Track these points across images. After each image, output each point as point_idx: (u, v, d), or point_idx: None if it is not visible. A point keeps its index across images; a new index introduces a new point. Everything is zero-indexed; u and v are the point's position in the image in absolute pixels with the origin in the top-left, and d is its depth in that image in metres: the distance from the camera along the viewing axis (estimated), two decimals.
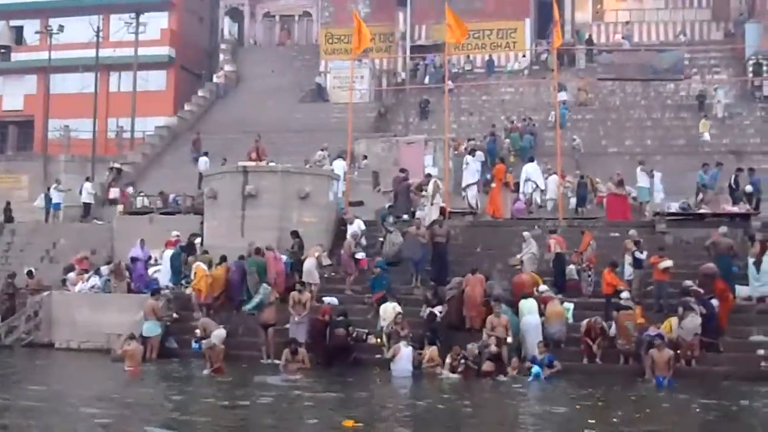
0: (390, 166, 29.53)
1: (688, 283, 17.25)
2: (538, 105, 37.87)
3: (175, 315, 19.05)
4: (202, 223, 24.32)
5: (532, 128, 34.14)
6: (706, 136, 32.53)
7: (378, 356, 17.41)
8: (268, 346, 17.98)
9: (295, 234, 20.59)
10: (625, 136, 35.41)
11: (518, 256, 19.81)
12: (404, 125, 35.84)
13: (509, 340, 16.69)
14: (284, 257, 20.08)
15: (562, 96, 37.30)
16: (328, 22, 42.85)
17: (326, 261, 20.71)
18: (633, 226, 21.43)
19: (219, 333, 16.84)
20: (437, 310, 17.49)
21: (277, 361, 17.31)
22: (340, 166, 26.46)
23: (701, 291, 16.94)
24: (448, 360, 16.06)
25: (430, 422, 12.06)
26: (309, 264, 19.39)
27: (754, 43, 39.49)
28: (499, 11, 40.64)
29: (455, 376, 15.90)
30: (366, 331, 18.17)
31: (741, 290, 18.38)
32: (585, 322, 17.05)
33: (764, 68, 38.19)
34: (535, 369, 15.87)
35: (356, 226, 20.92)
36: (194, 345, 18.36)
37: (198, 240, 22.17)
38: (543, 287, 18.05)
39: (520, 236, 20.55)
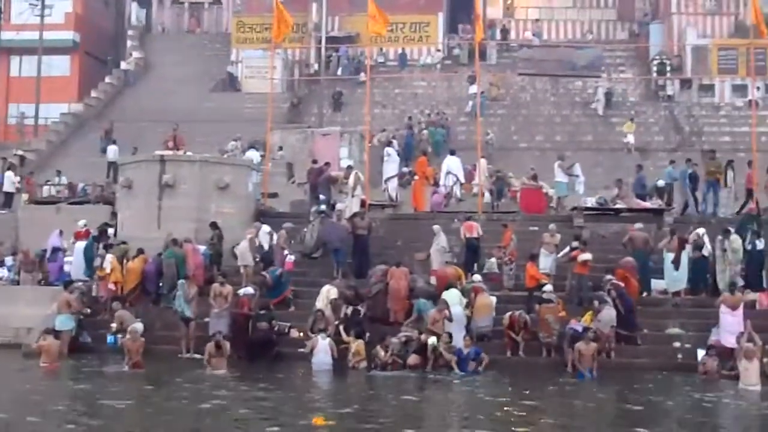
0: (305, 158, 29.24)
1: (609, 277, 17.55)
2: (450, 99, 38.13)
3: (88, 309, 18.40)
4: (113, 213, 23.67)
5: (444, 122, 34.34)
6: (630, 138, 32.86)
7: (301, 350, 17.17)
8: (188, 341, 17.52)
9: (214, 225, 20.14)
10: (535, 132, 35.94)
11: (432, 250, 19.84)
12: (317, 117, 35.55)
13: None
14: (202, 248, 19.62)
15: (473, 89, 37.73)
16: (240, 10, 42.22)
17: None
18: (551, 221, 21.80)
19: (137, 326, 16.31)
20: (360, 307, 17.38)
21: (197, 356, 16.90)
22: (253, 157, 26.11)
23: (621, 284, 17.28)
24: (382, 353, 15.90)
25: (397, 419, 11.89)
26: (243, 246, 19.07)
27: (658, 43, 40.69)
28: (412, 5, 40.68)
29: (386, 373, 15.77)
30: (288, 324, 17.92)
31: (657, 284, 18.82)
32: (508, 315, 17.15)
33: (668, 68, 39.33)
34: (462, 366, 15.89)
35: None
36: (109, 339, 17.78)
37: (111, 231, 21.51)
38: (477, 276, 18.08)
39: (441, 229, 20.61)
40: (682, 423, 12.16)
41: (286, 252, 19.57)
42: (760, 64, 39.00)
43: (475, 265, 19.38)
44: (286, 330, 17.80)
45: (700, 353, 16.70)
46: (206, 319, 17.72)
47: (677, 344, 17.31)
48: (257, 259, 19.39)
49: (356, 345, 16.16)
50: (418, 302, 17.27)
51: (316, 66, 39.39)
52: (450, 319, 16.58)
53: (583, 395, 14.09)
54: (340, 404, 12.77)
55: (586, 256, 18.19)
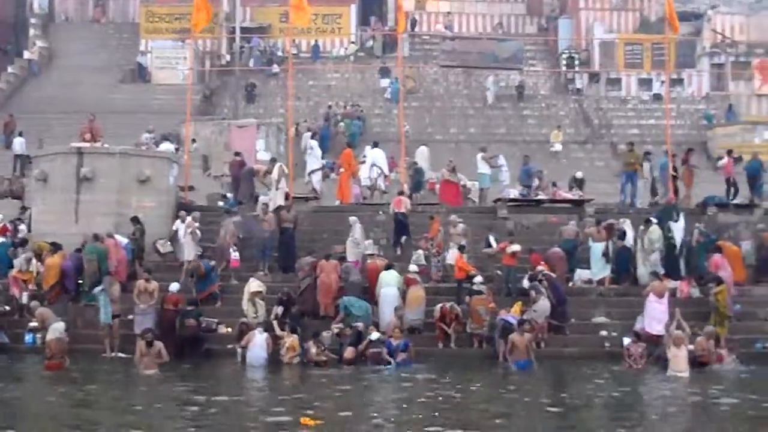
0: (221, 150, 28.81)
1: (540, 268, 17.74)
2: (364, 91, 38.12)
3: (7, 307, 17.66)
4: (22, 208, 22.80)
5: (360, 114, 34.26)
6: (558, 147, 33.18)
7: (230, 346, 16.83)
8: (111, 339, 16.94)
9: (135, 220, 19.50)
10: (449, 124, 36.24)
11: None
12: (231, 109, 35.00)
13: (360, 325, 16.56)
14: (124, 240, 19.00)
15: (385, 82, 37.82)
16: (149, 0, 41.17)
17: (167, 248, 19.89)
18: (475, 212, 21.99)
19: (58, 325, 15.70)
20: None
21: (121, 355, 16.45)
22: (167, 149, 25.48)
23: (553, 275, 17.49)
24: (313, 349, 15.69)
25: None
26: (187, 240, 18.83)
27: (567, 37, 41.48)
28: None
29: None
30: (216, 320, 17.57)
31: (582, 274, 19.12)
32: (439, 307, 17.17)
33: (576, 62, 40.13)
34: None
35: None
36: (27, 338, 17.12)
37: (22, 226, 20.69)
38: (412, 267, 18.01)
39: (363, 221, 20.52)
40: (615, 410, 12.30)
41: (231, 249, 19.09)
42: (663, 59, 40.24)
43: (403, 238, 19.70)
44: (214, 326, 17.46)
45: (626, 341, 17.03)
46: (130, 317, 17.22)
47: (604, 333, 17.65)
48: (200, 253, 18.92)
49: (291, 340, 15.90)
50: (343, 300, 17.13)
51: (227, 57, 38.76)
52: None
53: (518, 385, 14.17)
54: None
55: (515, 247, 18.34)
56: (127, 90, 37.20)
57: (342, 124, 32.28)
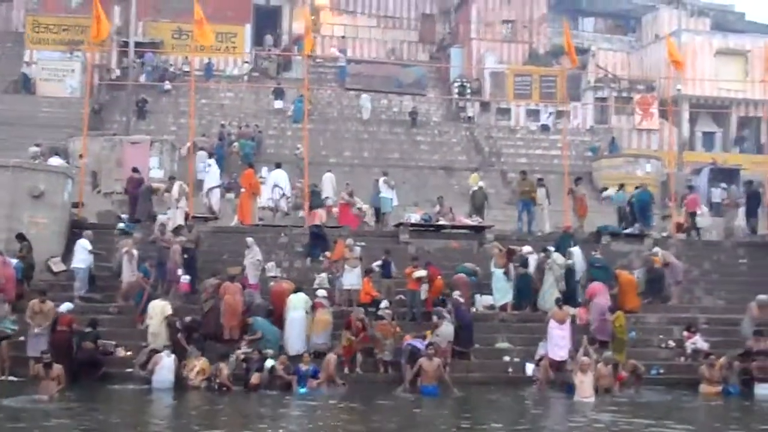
0: (112, 166, 27.95)
1: (457, 292, 17.80)
2: (258, 111, 37.75)
3: None
4: None
5: (256, 134, 33.90)
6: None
7: (129, 370, 16.23)
8: (2, 362, 16.08)
9: (21, 237, 18.64)
10: (343, 147, 36.21)
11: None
12: (121, 124, 34.01)
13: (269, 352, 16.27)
14: (14, 261, 18.11)
15: (279, 104, 37.59)
16: (35, 9, 39.81)
17: (60, 267, 19.10)
18: (377, 236, 22.00)
19: None
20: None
21: (12, 378, 15.64)
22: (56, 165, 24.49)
23: (461, 300, 17.58)
24: (225, 371, 15.27)
25: None
26: (123, 262, 18.18)
27: (458, 66, 42.25)
28: (219, 15, 39.58)
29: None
30: (114, 343, 16.91)
31: (483, 300, 19.32)
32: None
33: (468, 91, 40.88)
34: (301, 385, 15.59)
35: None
36: None
37: None
38: (321, 292, 17.79)
39: (265, 243, 20.27)
40: None
41: (180, 271, 18.39)
42: (551, 91, 41.53)
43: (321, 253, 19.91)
44: (112, 349, 16.80)
45: (529, 367, 17.31)
46: (21, 338, 16.39)
47: (507, 358, 17.82)
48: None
49: (201, 363, 15.45)
50: (257, 320, 16.81)
51: (117, 72, 37.76)
52: None
53: (421, 411, 14.13)
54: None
55: (421, 272, 18.37)
56: (11, 101, 35.69)
57: (236, 144, 31.81)
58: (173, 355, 15.55)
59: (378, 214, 23.94)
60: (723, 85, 42.61)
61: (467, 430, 12.64)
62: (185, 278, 18.16)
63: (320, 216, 19.91)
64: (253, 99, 38.70)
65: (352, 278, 18.71)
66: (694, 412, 15.05)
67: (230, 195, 26.58)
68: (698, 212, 25.13)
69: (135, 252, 18.37)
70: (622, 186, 27.36)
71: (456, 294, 17.65)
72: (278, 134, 35.98)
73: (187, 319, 16.77)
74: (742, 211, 25.78)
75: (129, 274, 18.21)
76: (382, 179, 23.59)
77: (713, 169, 35.51)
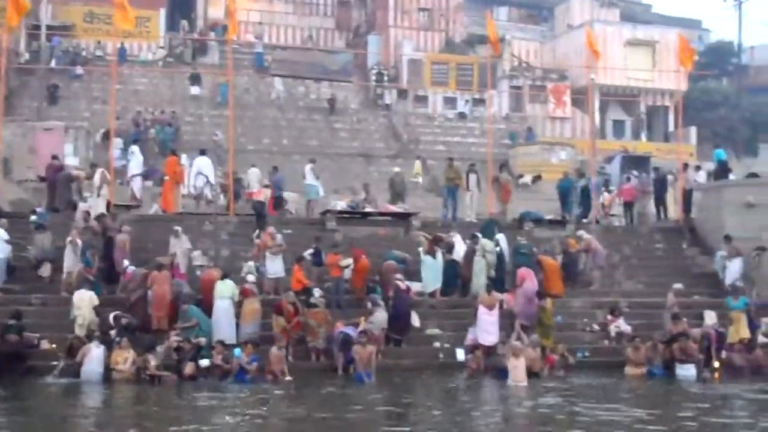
0: (24, 154, 27.12)
1: (376, 278, 17.84)
2: (173, 97, 37.08)
3: None
4: None
5: (173, 121, 33.30)
6: (420, 179, 32.69)
7: (54, 363, 15.76)
8: None
9: None
10: (262, 135, 35.88)
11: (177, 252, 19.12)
12: (32, 110, 32.97)
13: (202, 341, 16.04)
14: None
15: (196, 90, 37.01)
16: None
17: None
18: (304, 223, 21.93)
19: None
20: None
21: None
22: None
23: (402, 286, 17.62)
24: (152, 362, 14.97)
25: None
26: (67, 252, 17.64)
27: (376, 53, 42.28)
28: None
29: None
30: (37, 335, 16.40)
31: (413, 286, 19.37)
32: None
33: (385, 78, 40.94)
34: (240, 374, 15.41)
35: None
36: None
37: None
38: (251, 278, 17.57)
39: (191, 231, 19.96)
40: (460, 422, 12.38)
41: (126, 262, 17.93)
42: (467, 79, 41.96)
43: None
44: (36, 341, 16.29)
45: (459, 352, 17.49)
46: None
47: (437, 344, 17.98)
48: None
49: (130, 354, 15.12)
50: (191, 308, 16.54)
51: (27, 56, 36.53)
52: None
53: (356, 398, 14.17)
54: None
55: (347, 261, 18.35)
56: None
57: (153, 130, 31.18)
58: (102, 346, 15.19)
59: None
60: (632, 75, 43.77)
61: (417, 416, 12.68)
62: (131, 269, 17.75)
63: (264, 194, 19.79)
64: (169, 85, 37.99)
65: (275, 266, 18.58)
66: (638, 395, 15.16)
67: (148, 183, 26.02)
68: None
69: (79, 241, 17.82)
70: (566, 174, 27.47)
71: (397, 279, 17.64)
72: (195, 121, 35.45)
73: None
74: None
75: (72, 265, 17.66)
76: (308, 167, 23.46)
77: (625, 157, 36.39)
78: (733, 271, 20.47)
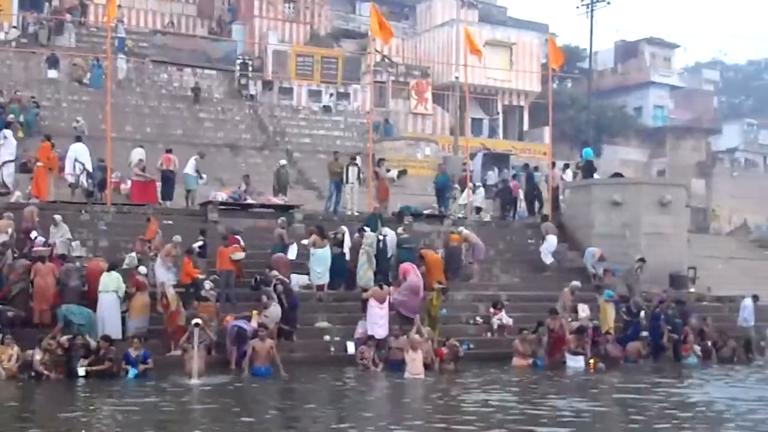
0: None
1: (274, 273, 17.68)
2: (29, 80, 35.29)
3: None
4: None
5: (29, 106, 31.71)
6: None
7: None
8: None
9: None
10: (125, 122, 34.64)
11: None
12: None
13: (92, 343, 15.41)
14: None
15: (53, 74, 35.44)
16: None
17: None
18: (185, 214, 21.48)
19: None
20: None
21: None
22: None
23: (287, 280, 17.51)
24: (38, 356, 14.25)
25: None
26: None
27: (240, 42, 41.69)
28: None
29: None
30: None
31: (299, 279, 19.31)
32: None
33: (250, 68, 40.39)
34: (132, 371, 14.93)
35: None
36: None
37: None
38: (142, 269, 16.99)
39: (66, 221, 19.16)
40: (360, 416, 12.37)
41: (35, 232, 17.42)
42: (332, 72, 42.05)
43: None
44: None
45: (350, 345, 17.57)
46: None
47: (327, 338, 18.00)
48: None
49: (13, 350, 14.36)
50: (62, 309, 15.78)
51: None
52: None
53: (251, 393, 14.07)
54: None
55: (239, 254, 18.14)
56: None
57: (12, 115, 29.57)
58: None
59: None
60: (490, 74, 44.99)
61: (328, 411, 12.66)
62: (40, 239, 17.24)
63: (174, 161, 20.76)
64: (23, 66, 36.12)
65: (168, 275, 17.72)
66: (547, 384, 15.66)
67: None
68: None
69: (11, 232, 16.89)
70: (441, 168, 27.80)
71: (276, 274, 17.54)
72: (53, 105, 33.83)
73: None
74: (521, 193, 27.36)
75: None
76: (193, 158, 23.00)
77: (486, 154, 37.50)
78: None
